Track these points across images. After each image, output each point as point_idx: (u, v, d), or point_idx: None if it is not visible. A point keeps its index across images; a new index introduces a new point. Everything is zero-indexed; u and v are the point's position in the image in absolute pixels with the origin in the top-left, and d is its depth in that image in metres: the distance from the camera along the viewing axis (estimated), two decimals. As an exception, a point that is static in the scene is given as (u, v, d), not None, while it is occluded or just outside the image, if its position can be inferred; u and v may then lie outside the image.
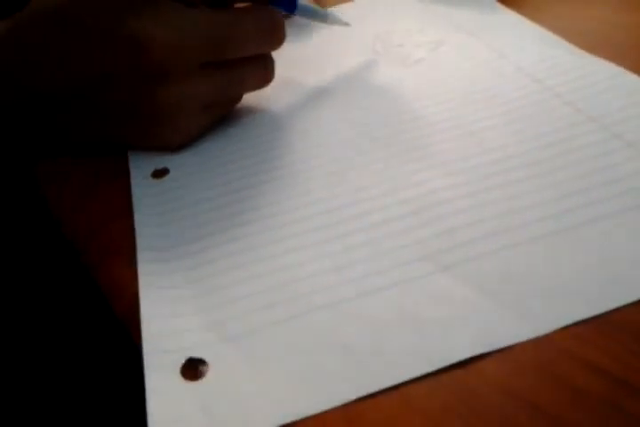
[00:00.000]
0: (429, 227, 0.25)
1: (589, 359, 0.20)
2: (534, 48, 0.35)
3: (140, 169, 0.31)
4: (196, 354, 0.22)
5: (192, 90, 0.30)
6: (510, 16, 0.39)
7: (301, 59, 0.38)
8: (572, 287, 0.22)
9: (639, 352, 0.20)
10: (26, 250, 0.41)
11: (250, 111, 0.34)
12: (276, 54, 0.33)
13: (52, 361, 0.40)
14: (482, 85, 0.33)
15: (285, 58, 0.35)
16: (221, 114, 0.33)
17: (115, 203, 0.30)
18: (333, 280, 0.24)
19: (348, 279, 0.24)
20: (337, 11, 0.42)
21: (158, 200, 0.29)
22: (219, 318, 0.23)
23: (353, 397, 0.20)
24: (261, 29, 0.31)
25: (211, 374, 0.21)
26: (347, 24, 0.38)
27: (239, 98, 0.34)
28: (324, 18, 0.37)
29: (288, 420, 0.20)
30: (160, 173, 0.31)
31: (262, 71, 0.33)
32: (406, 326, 0.22)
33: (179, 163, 0.31)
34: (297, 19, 0.40)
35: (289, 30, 0.33)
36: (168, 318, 0.23)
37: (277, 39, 0.32)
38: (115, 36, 0.28)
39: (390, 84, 0.35)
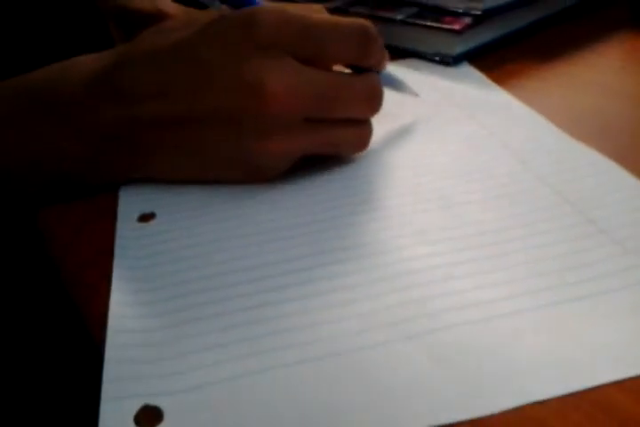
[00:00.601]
0: (399, 294, 0.26)
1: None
2: (522, 129, 0.36)
3: (127, 212, 0.32)
4: (153, 402, 0.22)
5: (294, 143, 0.31)
6: (503, 95, 0.40)
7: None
8: (529, 368, 0.23)
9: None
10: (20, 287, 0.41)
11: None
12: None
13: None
14: (467, 160, 0.34)
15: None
16: None
17: (100, 243, 0.30)
18: (298, 339, 0.24)
19: (313, 339, 0.24)
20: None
21: (141, 244, 0.30)
22: (180, 368, 0.23)
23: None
24: (366, 94, 0.32)
25: (165, 424, 0.21)
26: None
27: None
28: (398, 86, 0.38)
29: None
30: (147, 218, 0.31)
31: (360, 135, 0.34)
32: (368, 389, 0.22)
33: (166, 208, 0.32)
34: None
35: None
36: (130, 363, 0.24)
37: (377, 106, 0.33)
38: (238, 77, 0.29)
39: (378, 151, 0.36)
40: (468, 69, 0.45)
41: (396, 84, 0.38)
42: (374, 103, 0.33)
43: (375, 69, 0.34)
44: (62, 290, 0.29)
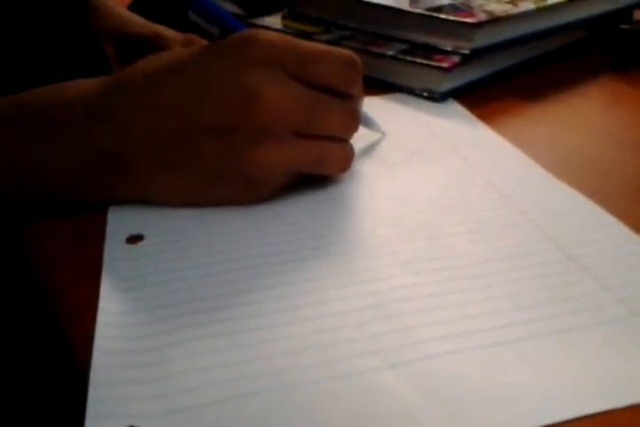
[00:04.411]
0: (384, 322, 0.26)
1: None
2: (506, 166, 0.37)
3: (115, 233, 0.32)
4: (138, 423, 0.22)
5: (284, 154, 0.32)
6: (488, 133, 0.41)
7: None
8: (511, 399, 0.23)
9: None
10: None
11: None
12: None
13: None
14: (452, 194, 0.35)
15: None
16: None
17: (86, 265, 0.30)
18: (283, 364, 0.25)
19: (298, 365, 0.25)
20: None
21: (128, 265, 0.30)
22: (167, 390, 0.23)
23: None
24: (346, 116, 0.34)
25: (148, 446, 0.22)
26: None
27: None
28: (367, 122, 0.40)
29: None
30: (135, 239, 0.32)
31: (344, 154, 0.35)
32: (350, 417, 0.22)
33: (154, 230, 0.32)
34: None
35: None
36: (115, 385, 0.24)
37: (355, 128, 0.35)
38: (235, 88, 0.31)
39: (365, 183, 0.36)
40: (453, 106, 0.46)
41: (366, 121, 0.39)
42: (353, 124, 0.35)
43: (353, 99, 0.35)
44: (46, 307, 0.29)
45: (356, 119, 0.35)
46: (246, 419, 0.23)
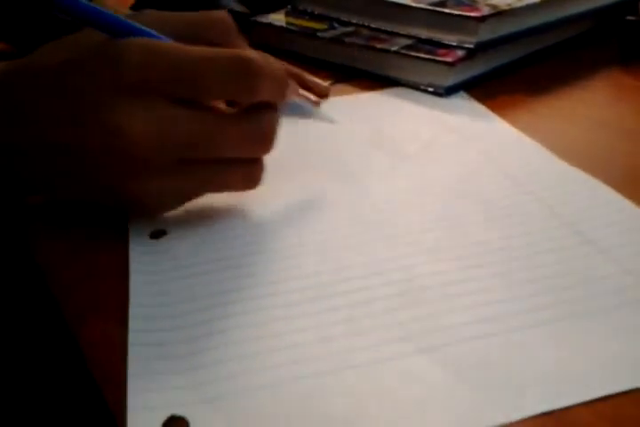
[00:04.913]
0: (412, 309, 0.27)
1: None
2: (519, 154, 0.38)
3: (138, 228, 0.32)
4: (179, 412, 0.22)
5: (172, 184, 0.30)
6: (501, 124, 0.42)
7: (301, 148, 0.40)
8: (541, 379, 0.24)
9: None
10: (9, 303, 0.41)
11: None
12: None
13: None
14: (467, 184, 0.35)
15: (286, 148, 0.34)
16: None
17: (109, 260, 0.31)
18: (315, 352, 0.25)
19: (330, 352, 0.25)
20: (338, 104, 0.45)
21: (154, 259, 0.30)
22: (204, 379, 0.24)
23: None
24: (247, 136, 0.30)
25: (191, 433, 0.22)
26: (332, 121, 0.40)
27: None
28: (311, 113, 0.39)
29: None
30: (158, 234, 0.32)
31: (246, 175, 0.32)
32: (382, 402, 0.23)
33: (177, 225, 0.33)
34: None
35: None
36: (154, 375, 0.24)
37: (262, 148, 0.31)
38: (103, 119, 0.28)
39: (381, 174, 0.37)
40: (462, 98, 0.46)
41: (310, 112, 0.38)
42: (262, 143, 0.31)
43: (269, 106, 0.31)
44: (54, 306, 0.29)
45: (264, 137, 0.31)
46: (285, 405, 0.23)
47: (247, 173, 0.32)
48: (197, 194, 0.32)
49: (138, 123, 0.28)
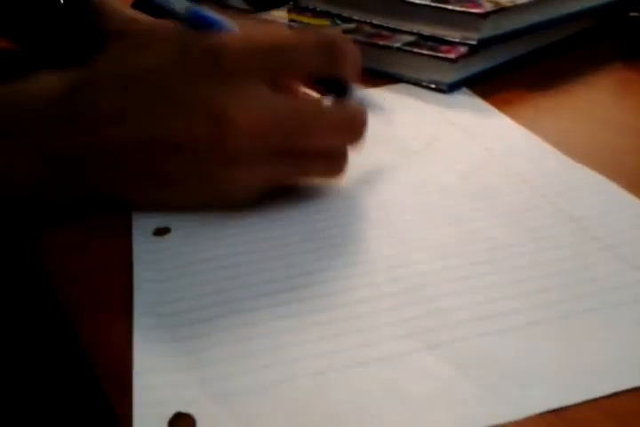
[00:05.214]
0: (418, 306, 0.27)
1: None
2: (524, 151, 0.38)
3: (142, 226, 0.32)
4: (185, 409, 0.22)
5: (260, 175, 0.31)
6: (504, 121, 0.42)
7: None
8: (549, 376, 0.23)
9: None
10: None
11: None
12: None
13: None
14: (471, 180, 0.35)
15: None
16: None
17: (111, 256, 0.31)
18: (321, 349, 0.25)
19: (336, 349, 0.25)
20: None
21: (158, 257, 0.30)
22: (209, 376, 0.24)
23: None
24: (341, 125, 0.31)
25: (198, 431, 0.22)
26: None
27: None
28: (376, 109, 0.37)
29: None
30: (162, 232, 0.32)
31: (332, 166, 0.33)
32: (390, 399, 0.23)
33: (181, 223, 0.32)
34: None
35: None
36: (159, 372, 0.24)
37: (355, 137, 0.32)
38: (204, 107, 0.29)
39: (386, 171, 0.37)
40: (465, 94, 0.46)
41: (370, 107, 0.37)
42: (350, 134, 0.32)
43: (350, 83, 0.33)
44: (54, 305, 0.29)
45: (355, 128, 0.32)
46: (291, 402, 0.23)
47: (335, 163, 0.33)
48: (283, 183, 0.33)
49: (238, 110, 0.29)
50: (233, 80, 0.29)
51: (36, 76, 0.32)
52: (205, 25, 0.31)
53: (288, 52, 0.31)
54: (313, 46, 0.31)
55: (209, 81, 0.29)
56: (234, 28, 0.31)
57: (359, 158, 0.37)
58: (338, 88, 0.33)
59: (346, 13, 0.52)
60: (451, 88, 0.47)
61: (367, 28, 0.51)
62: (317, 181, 0.34)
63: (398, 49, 0.48)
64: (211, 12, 0.31)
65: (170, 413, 0.22)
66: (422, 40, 0.48)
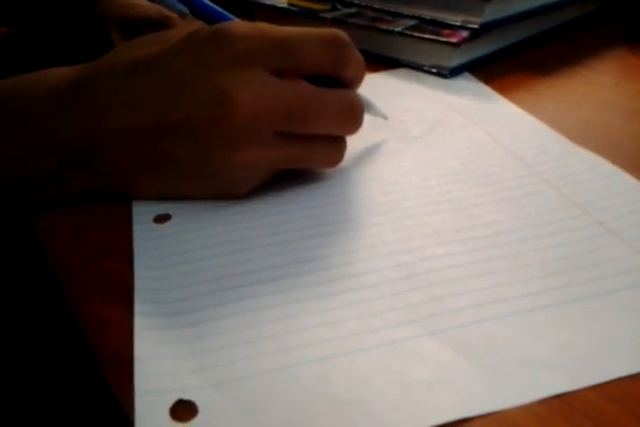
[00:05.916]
0: (421, 291, 0.27)
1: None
2: (526, 135, 0.38)
3: (142, 213, 0.32)
4: (187, 396, 0.22)
5: (263, 156, 0.31)
6: (507, 105, 0.42)
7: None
8: (552, 362, 0.23)
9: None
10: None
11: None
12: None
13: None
14: (473, 165, 0.35)
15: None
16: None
17: (111, 244, 0.31)
18: (324, 335, 0.25)
19: (338, 336, 0.25)
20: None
21: (159, 244, 0.30)
22: (211, 363, 0.24)
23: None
24: (341, 111, 0.32)
25: (199, 418, 0.22)
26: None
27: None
28: (367, 107, 0.37)
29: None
30: (162, 219, 0.32)
31: (332, 152, 0.33)
32: (393, 384, 0.23)
33: (181, 210, 0.32)
34: None
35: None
36: (160, 359, 0.24)
37: (354, 124, 0.33)
38: (208, 88, 0.29)
39: (388, 157, 0.36)
40: (467, 79, 0.46)
41: (366, 106, 0.37)
42: (350, 121, 0.32)
43: (352, 84, 0.33)
44: (55, 296, 0.29)
45: (354, 114, 0.32)
46: (294, 388, 0.23)
47: (333, 150, 0.33)
48: (283, 169, 0.33)
49: (242, 91, 0.29)
50: (239, 66, 0.29)
51: (49, 70, 0.33)
52: (211, 16, 0.32)
53: (296, 47, 0.31)
54: (320, 43, 0.31)
55: (213, 63, 0.30)
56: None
57: (361, 143, 0.37)
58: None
59: (346, -3, 0.52)
60: (452, 73, 0.46)
61: (368, 13, 0.51)
62: (317, 165, 0.34)
63: (400, 33, 0.48)
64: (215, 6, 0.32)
65: (171, 400, 0.22)
66: (424, 24, 0.48)
